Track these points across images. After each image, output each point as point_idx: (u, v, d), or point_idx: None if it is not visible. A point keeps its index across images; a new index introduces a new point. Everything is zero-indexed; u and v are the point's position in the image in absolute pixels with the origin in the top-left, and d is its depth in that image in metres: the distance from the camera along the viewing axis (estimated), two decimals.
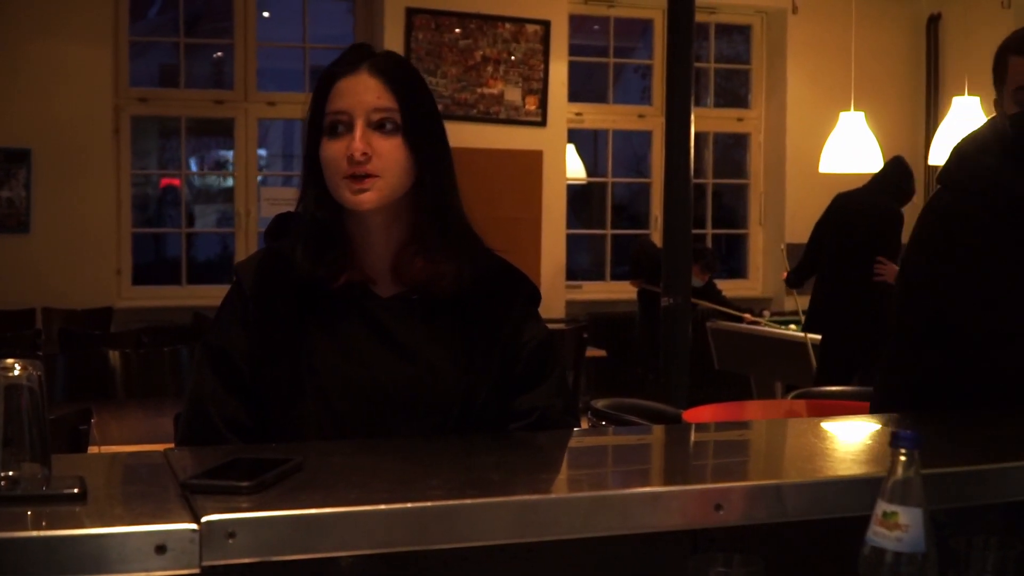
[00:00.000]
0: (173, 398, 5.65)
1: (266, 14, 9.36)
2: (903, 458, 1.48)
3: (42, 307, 8.26)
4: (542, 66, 9.21)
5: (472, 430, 2.01)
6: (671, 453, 1.91)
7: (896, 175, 7.16)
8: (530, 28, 9.15)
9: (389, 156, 1.98)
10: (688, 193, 6.49)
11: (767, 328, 8.35)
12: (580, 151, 9.88)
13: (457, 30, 8.98)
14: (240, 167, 9.04)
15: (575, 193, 9.98)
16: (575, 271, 10.03)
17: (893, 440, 1.48)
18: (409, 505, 1.44)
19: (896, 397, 2.53)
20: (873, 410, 2.60)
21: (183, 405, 2.13)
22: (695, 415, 5.24)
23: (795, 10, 9.87)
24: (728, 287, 9.87)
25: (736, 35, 10.69)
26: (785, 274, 7.92)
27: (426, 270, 2.04)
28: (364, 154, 1.95)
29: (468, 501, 1.46)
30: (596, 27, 10.27)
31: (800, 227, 9.42)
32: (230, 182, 9.38)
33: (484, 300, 2.08)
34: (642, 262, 8.76)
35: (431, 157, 2.04)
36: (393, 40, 8.79)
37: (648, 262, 8.38)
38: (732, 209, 10.74)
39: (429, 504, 1.45)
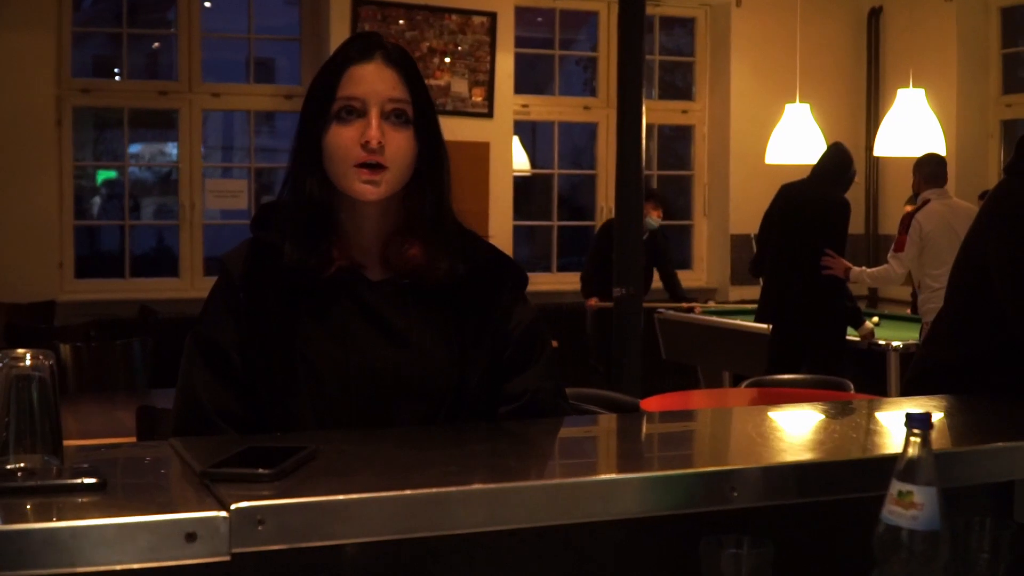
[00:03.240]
0: (126, 392, 5.61)
1: (208, 4, 9.27)
2: (916, 438, 1.51)
3: None
4: (489, 58, 9.21)
5: (464, 414, 2.02)
6: (680, 438, 1.93)
7: (837, 162, 7.21)
8: (476, 20, 9.15)
9: (399, 148, 2.00)
10: (640, 185, 6.55)
11: (715, 318, 8.41)
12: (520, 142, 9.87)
13: (402, 21, 8.95)
14: (185, 159, 8.95)
15: (516, 185, 9.97)
16: (521, 263, 10.00)
17: (906, 421, 1.51)
18: (435, 490, 1.45)
19: (957, 370, 2.67)
20: (917, 379, 2.72)
21: (174, 397, 2.11)
22: (652, 404, 5.29)
23: (739, 3, 9.95)
24: None
25: (678, 28, 10.74)
26: None
27: (420, 259, 2.04)
28: (380, 143, 1.96)
29: (493, 485, 1.48)
30: (539, 19, 10.27)
31: (744, 218, 9.52)
32: (172, 174, 9.28)
33: (473, 284, 2.08)
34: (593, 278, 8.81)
35: (434, 151, 2.06)
36: (339, 32, 8.74)
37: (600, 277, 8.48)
38: (674, 200, 10.80)
39: (454, 489, 1.46)
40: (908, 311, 8.23)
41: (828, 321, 6.99)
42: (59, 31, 8.40)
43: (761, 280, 7.64)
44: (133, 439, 3.92)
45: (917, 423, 1.51)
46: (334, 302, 2.04)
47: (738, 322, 8.00)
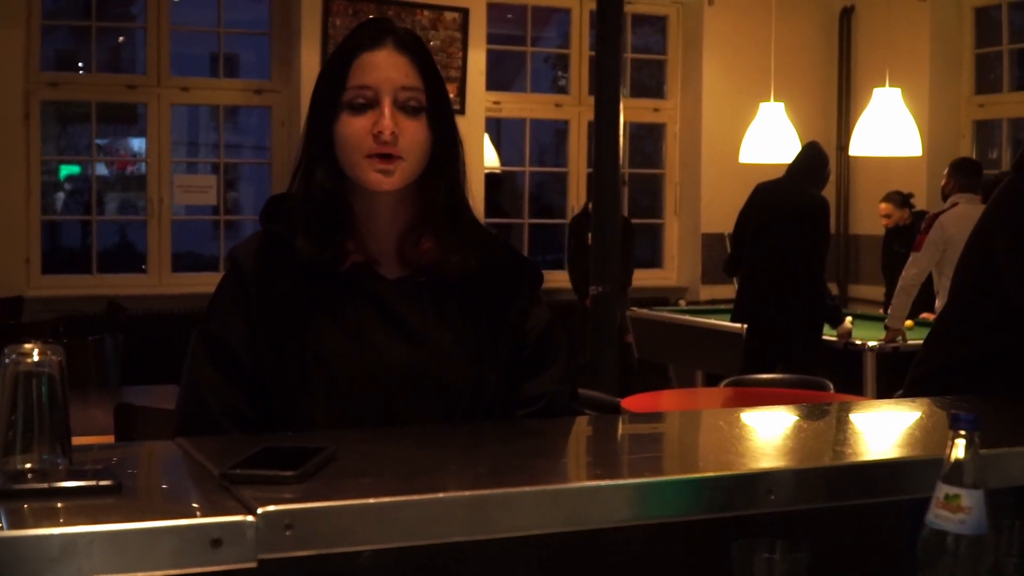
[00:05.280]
0: (98, 389, 5.52)
1: None
2: (962, 440, 1.47)
3: None
4: (460, 54, 9.15)
5: (481, 414, 1.96)
6: (706, 440, 1.88)
7: (813, 161, 7.19)
8: (448, 16, 9.08)
9: (414, 137, 1.93)
10: (617, 183, 6.51)
11: (688, 317, 8.39)
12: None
13: (373, 17, 8.87)
14: (153, 154, 8.83)
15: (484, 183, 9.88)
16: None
17: (952, 422, 1.47)
18: (470, 493, 1.40)
19: (962, 369, 2.63)
20: (921, 378, 2.67)
21: (178, 396, 2.03)
22: (631, 404, 5.25)
23: (711, 1, 9.93)
24: (643, 276, 9.89)
25: (647, 26, 10.70)
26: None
27: (434, 253, 1.99)
28: (393, 133, 1.90)
29: (529, 488, 1.42)
30: (509, 16, 10.21)
31: (716, 217, 9.50)
32: (140, 169, 9.16)
33: (490, 283, 2.03)
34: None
35: (448, 140, 2.00)
36: (310, 26, 8.66)
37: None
38: (644, 199, 10.77)
39: (488, 492, 1.41)
40: (880, 311, 8.22)
41: (806, 321, 6.97)
42: (28, 25, 8.26)
43: (735, 280, 7.62)
44: (111, 437, 3.85)
45: (964, 424, 1.46)
46: (348, 299, 1.96)
47: (712, 321, 8.00)
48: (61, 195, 9.84)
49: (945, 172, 7.15)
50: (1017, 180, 2.71)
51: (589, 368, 6.45)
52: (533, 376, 2.02)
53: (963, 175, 7.04)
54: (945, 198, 7.10)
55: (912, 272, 6.87)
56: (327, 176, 1.96)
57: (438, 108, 1.97)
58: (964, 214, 6.64)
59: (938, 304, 6.87)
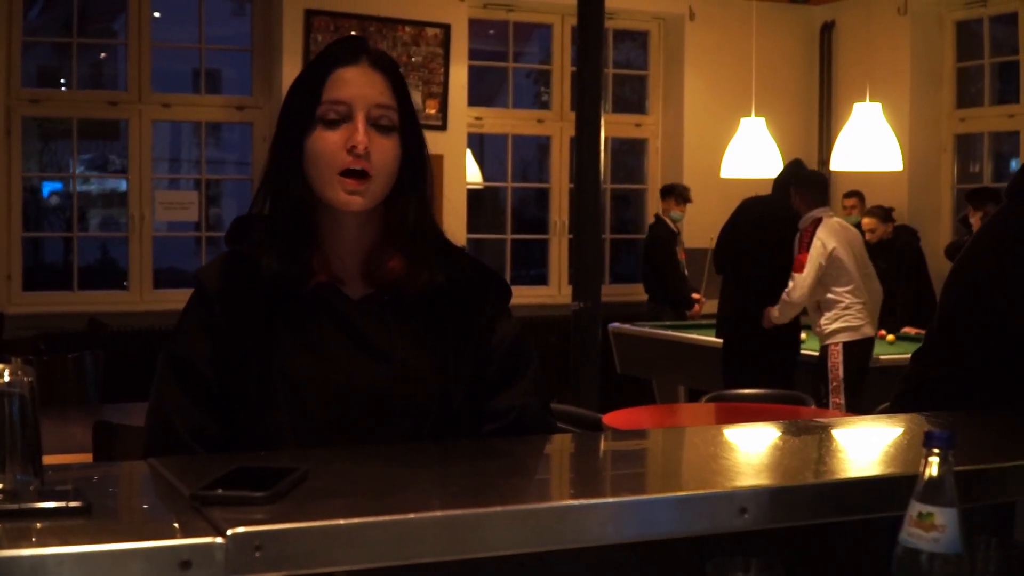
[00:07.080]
0: (77, 407, 5.50)
1: (157, 14, 9.15)
2: (936, 458, 1.46)
3: None
4: (442, 70, 9.16)
5: (449, 432, 1.95)
6: (680, 457, 1.88)
7: (810, 177, 7.22)
8: (430, 31, 9.09)
9: (385, 155, 1.93)
10: (598, 198, 6.51)
11: (670, 332, 8.39)
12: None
13: (355, 32, 8.88)
14: (134, 170, 8.81)
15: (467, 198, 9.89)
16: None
17: (926, 440, 1.46)
18: (441, 513, 1.39)
19: (945, 386, 2.61)
20: (905, 394, 2.66)
21: (145, 418, 2.02)
22: (613, 419, 5.24)
23: (692, 17, 9.95)
24: (625, 291, 9.91)
25: (628, 41, 10.73)
26: None
27: (401, 271, 1.98)
28: (366, 148, 1.89)
29: (500, 508, 1.41)
30: (491, 31, 10.23)
31: (697, 232, 9.51)
32: (120, 186, 9.13)
33: (456, 298, 2.02)
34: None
35: (418, 160, 2.00)
36: (292, 42, 8.67)
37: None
38: (626, 214, 10.79)
39: (460, 512, 1.40)
40: None
41: (786, 335, 6.98)
42: (9, 41, 8.25)
43: (719, 294, 7.62)
44: (89, 456, 3.83)
45: (938, 442, 1.46)
46: (313, 319, 1.96)
47: (693, 336, 7.99)
48: (44, 211, 9.81)
49: (792, 191, 7.05)
50: (1010, 209, 2.68)
51: (570, 383, 6.44)
52: (502, 390, 2.01)
53: (809, 192, 6.97)
54: (799, 217, 6.99)
55: (797, 295, 6.77)
56: (297, 190, 1.95)
57: (409, 128, 1.98)
58: (835, 227, 6.78)
59: (828, 318, 6.81)
